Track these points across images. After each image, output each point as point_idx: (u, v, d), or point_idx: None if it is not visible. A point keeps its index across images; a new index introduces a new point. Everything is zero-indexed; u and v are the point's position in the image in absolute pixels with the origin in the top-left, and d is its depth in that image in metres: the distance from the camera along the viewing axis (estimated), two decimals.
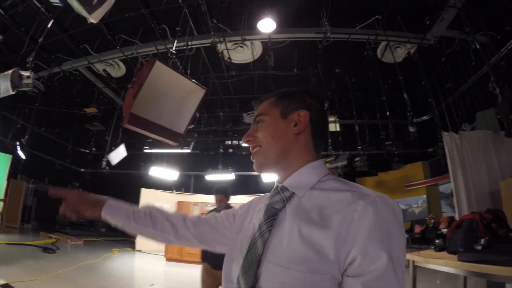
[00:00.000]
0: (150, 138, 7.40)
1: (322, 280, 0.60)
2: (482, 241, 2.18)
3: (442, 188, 8.16)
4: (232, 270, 0.75)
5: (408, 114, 5.09)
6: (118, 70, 7.04)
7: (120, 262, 7.59)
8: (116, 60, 6.73)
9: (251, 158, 0.82)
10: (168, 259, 8.25)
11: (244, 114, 8.42)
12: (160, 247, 9.89)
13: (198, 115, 3.81)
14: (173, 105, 3.58)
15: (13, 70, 3.94)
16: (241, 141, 9.06)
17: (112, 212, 0.96)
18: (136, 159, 9.23)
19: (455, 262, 2.16)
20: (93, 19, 2.87)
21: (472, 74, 5.64)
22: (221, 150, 9.04)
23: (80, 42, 6.05)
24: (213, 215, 0.97)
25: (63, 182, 11.11)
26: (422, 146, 7.33)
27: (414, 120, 7.49)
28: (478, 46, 4.29)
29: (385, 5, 5.02)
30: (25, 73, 4.03)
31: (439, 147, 5.97)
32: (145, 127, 3.39)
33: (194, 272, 6.88)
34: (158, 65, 3.23)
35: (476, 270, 1.98)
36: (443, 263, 2.30)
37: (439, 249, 2.73)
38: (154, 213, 0.99)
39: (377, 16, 5.25)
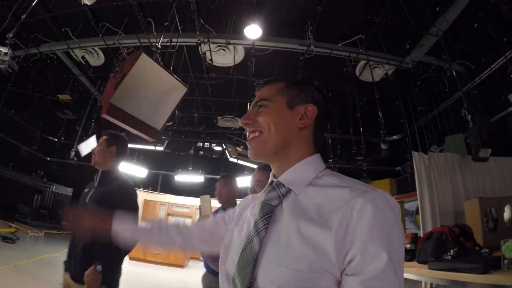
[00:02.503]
0: (125, 131, 7.22)
1: (322, 279, 0.59)
2: (451, 251, 2.36)
3: (407, 206, 8.46)
4: (228, 268, 0.73)
5: (381, 132, 5.24)
6: (97, 59, 6.78)
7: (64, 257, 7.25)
8: (96, 48, 6.50)
9: (247, 143, 0.80)
10: (131, 258, 7.98)
11: (219, 118, 8.34)
12: None
13: (177, 112, 3.73)
14: (153, 100, 3.49)
15: None
16: (213, 145, 8.99)
17: (122, 221, 1.02)
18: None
19: (426, 270, 2.33)
20: (87, 0, 2.76)
21: (444, 100, 5.92)
22: (192, 152, 8.90)
23: (62, 25, 5.77)
24: (211, 220, 0.97)
25: (28, 169, 10.53)
26: (391, 164, 7.58)
27: (386, 138, 7.80)
28: (454, 74, 4.50)
29: (369, 25, 5.18)
30: (2, 49, 3.80)
31: (408, 166, 6.19)
32: (123, 119, 3.28)
33: (158, 273, 6.72)
34: (144, 58, 3.14)
35: (446, 278, 2.18)
36: (414, 272, 2.47)
37: (409, 259, 2.89)
38: (160, 223, 1.05)
39: (361, 36, 5.41)
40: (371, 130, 7.06)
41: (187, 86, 3.60)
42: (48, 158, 9.48)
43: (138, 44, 5.94)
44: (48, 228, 10.25)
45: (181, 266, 8.20)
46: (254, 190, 1.91)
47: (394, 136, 7.40)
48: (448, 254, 2.35)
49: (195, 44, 5.83)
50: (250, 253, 0.66)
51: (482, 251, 2.62)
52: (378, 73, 6.20)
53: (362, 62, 6.00)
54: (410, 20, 4.92)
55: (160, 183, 12.00)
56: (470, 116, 3.90)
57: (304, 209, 0.66)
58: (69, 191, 15.53)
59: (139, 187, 10.60)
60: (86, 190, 2.09)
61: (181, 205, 10.82)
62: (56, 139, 8.11)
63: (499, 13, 4.28)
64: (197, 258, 9.75)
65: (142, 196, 10.71)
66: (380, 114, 5.22)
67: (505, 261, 2.02)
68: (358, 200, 0.61)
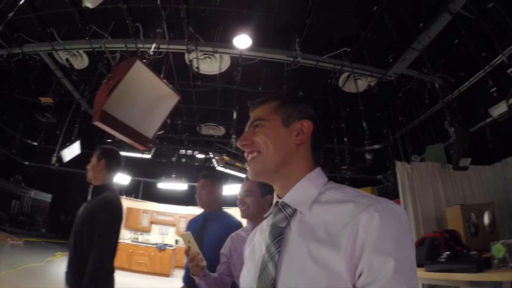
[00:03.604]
0: (114, 138, 6.94)
1: None
2: (444, 255, 2.58)
3: None
4: None
5: (365, 142, 5.33)
6: (80, 62, 6.53)
7: (64, 267, 6.86)
8: (80, 51, 6.26)
9: (246, 164, 0.81)
10: (116, 268, 7.66)
11: (202, 126, 8.20)
12: None
13: (169, 121, 3.61)
14: (145, 108, 3.37)
15: None
16: (195, 152, 8.82)
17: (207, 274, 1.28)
18: (86, 158, 8.53)
19: (423, 272, 2.50)
20: (89, 3, 2.63)
21: (424, 111, 6.09)
22: (174, 159, 8.70)
23: (48, 25, 5.50)
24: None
25: (5, 173, 9.90)
26: (372, 172, 7.71)
27: (366, 148, 7.95)
28: (436, 86, 4.63)
29: (354, 39, 5.28)
30: None
31: (390, 175, 6.31)
32: (115, 127, 3.14)
33: (144, 282, 6.45)
34: (138, 65, 3.03)
35: (442, 278, 2.38)
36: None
37: None
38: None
39: (346, 48, 5.49)
40: (352, 139, 7.15)
41: (180, 94, 3.51)
42: (26, 163, 8.97)
43: (125, 49, 5.76)
44: (27, 235, 9.69)
45: (167, 275, 7.97)
46: (243, 200, 1.86)
47: (376, 146, 7.53)
48: (442, 257, 2.56)
49: (182, 51, 5.72)
50: (267, 278, 0.66)
51: (471, 253, 2.81)
52: (361, 85, 6.32)
53: (346, 74, 6.09)
54: (394, 35, 5.05)
55: (143, 190, 11.61)
56: (452, 129, 3.99)
57: (311, 229, 0.66)
58: (48, 197, 14.82)
59: (122, 195, 10.27)
60: (84, 205, 2.11)
61: (164, 213, 10.57)
62: (35, 143, 7.69)
63: (479, 30, 4.47)
64: (181, 267, 9.43)
65: (125, 203, 10.36)
66: (364, 124, 5.29)
67: (495, 261, 2.25)
68: (363, 215, 0.61)
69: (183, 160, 8.24)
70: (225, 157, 5.77)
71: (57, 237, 11.92)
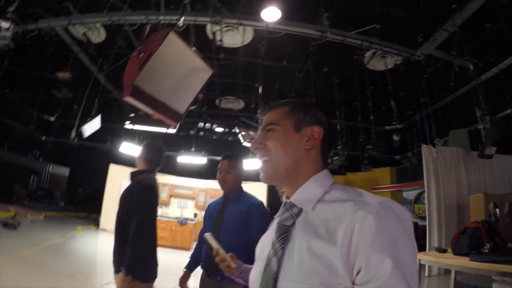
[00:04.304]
0: (137, 112, 6.77)
1: None
2: (488, 245, 2.58)
3: (406, 195, 8.52)
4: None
5: (393, 122, 5.12)
6: (97, 36, 6.25)
7: (87, 242, 7.01)
8: (98, 24, 5.98)
9: (259, 168, 0.80)
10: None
11: (222, 99, 7.98)
12: None
13: (201, 96, 3.39)
14: (177, 82, 3.16)
15: None
16: (214, 126, 8.66)
17: (243, 271, 1.12)
18: (103, 132, 8.38)
19: (467, 261, 2.50)
20: None
21: (449, 94, 5.84)
22: (192, 132, 8.54)
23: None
24: None
25: (23, 149, 9.84)
26: (391, 153, 7.53)
27: (386, 127, 7.73)
28: (471, 67, 4.38)
29: (384, 16, 4.98)
30: (3, 24, 3.33)
31: (413, 156, 6.14)
32: (147, 102, 2.93)
33: (165, 256, 6.41)
34: (172, 37, 2.80)
35: (488, 268, 2.36)
36: (457, 263, 2.66)
37: (442, 251, 3.12)
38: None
39: (375, 25, 5.20)
40: (373, 118, 6.96)
41: (214, 68, 3.28)
42: (43, 138, 8.85)
43: (145, 21, 5.48)
44: (46, 209, 9.67)
45: (187, 249, 7.99)
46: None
47: (397, 125, 7.34)
48: (485, 247, 2.56)
49: (205, 23, 5.43)
50: (270, 273, 0.68)
51: (509, 245, 2.79)
52: (387, 63, 6.04)
53: (371, 51, 5.81)
54: (426, 14, 4.74)
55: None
56: (488, 117, 3.80)
57: (313, 226, 0.67)
58: (65, 171, 14.79)
59: None
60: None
61: (184, 186, 10.46)
62: (52, 119, 7.53)
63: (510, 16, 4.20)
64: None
65: None
66: (392, 104, 5.08)
67: None
68: (360, 212, 0.61)
69: (201, 133, 8.07)
70: (252, 133, 5.58)
71: (75, 210, 11.97)
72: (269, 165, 0.77)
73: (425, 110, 6.16)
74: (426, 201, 4.82)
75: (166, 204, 10.24)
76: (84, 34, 5.89)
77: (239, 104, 8.32)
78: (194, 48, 3.20)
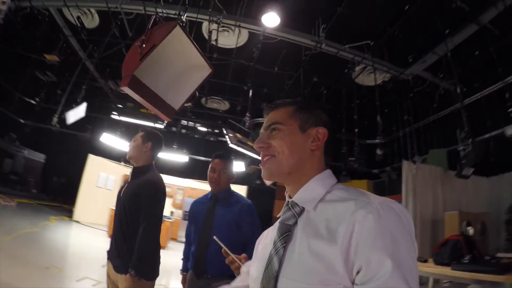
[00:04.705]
0: (127, 103, 6.56)
1: None
2: (467, 257, 2.78)
3: None
4: (254, 286, 0.75)
5: (378, 137, 5.25)
6: (91, 21, 6.05)
7: (62, 233, 6.72)
8: (92, 10, 5.78)
9: (260, 165, 0.79)
10: (110, 236, 7.37)
11: (208, 99, 7.88)
12: (99, 220, 8.90)
13: (197, 94, 3.35)
14: (175, 77, 3.09)
15: None
16: (197, 125, 8.53)
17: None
18: (84, 121, 8.13)
19: (448, 270, 2.76)
20: None
21: (431, 114, 6.06)
22: (174, 129, 8.38)
23: None
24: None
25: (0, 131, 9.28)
26: (370, 166, 7.71)
27: (367, 141, 7.91)
28: (458, 91, 4.57)
29: (379, 33, 5.11)
30: None
31: (393, 171, 6.31)
32: (143, 95, 2.85)
33: None
34: (177, 31, 2.74)
35: (468, 277, 2.61)
36: (439, 271, 2.91)
37: (423, 260, 3.28)
38: None
39: (368, 41, 5.32)
40: (357, 131, 7.10)
41: (212, 67, 3.24)
42: (22, 121, 8.39)
43: (143, 11, 5.36)
44: (18, 196, 9.14)
45: (163, 248, 7.81)
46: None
47: (377, 140, 7.52)
48: (465, 258, 2.75)
49: (200, 20, 5.37)
50: (271, 271, 0.68)
51: (485, 257, 2.97)
52: (373, 79, 6.19)
53: (361, 66, 5.94)
54: (419, 36, 4.91)
55: None
56: (470, 140, 3.98)
57: (314, 225, 0.67)
58: (41, 157, 14.08)
59: (120, 161, 9.88)
60: (123, 184, 2.11)
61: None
62: (33, 101, 7.17)
63: (500, 46, 4.43)
64: (175, 239, 9.45)
65: (123, 170, 10.11)
66: (378, 119, 5.20)
67: None
68: (360, 212, 0.61)
69: (183, 131, 7.93)
70: (238, 135, 5.56)
71: (48, 199, 11.39)
72: (272, 163, 0.77)
73: (407, 128, 6.36)
74: None
75: None
76: (78, 18, 5.68)
77: (225, 105, 8.27)
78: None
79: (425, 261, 3.30)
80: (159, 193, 1.96)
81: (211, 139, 8.44)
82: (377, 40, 5.19)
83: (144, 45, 2.79)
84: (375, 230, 0.58)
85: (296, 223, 0.72)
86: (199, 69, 3.22)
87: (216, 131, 8.22)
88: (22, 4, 5.18)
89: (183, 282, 2.03)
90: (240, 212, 1.91)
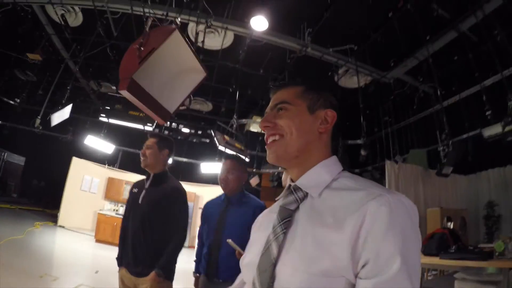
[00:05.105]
0: (115, 105, 6.37)
1: (336, 283, 0.57)
2: (454, 247, 3.06)
3: None
4: (248, 270, 0.71)
5: (362, 138, 5.43)
6: (74, 19, 5.88)
7: (48, 240, 6.53)
8: (76, 8, 5.63)
9: (266, 147, 0.76)
10: (98, 241, 7.18)
11: (192, 100, 7.85)
12: (84, 224, 8.65)
13: (192, 97, 3.41)
14: (171, 80, 3.11)
15: None
16: (180, 126, 8.45)
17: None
18: (65, 122, 7.91)
19: (437, 260, 3.07)
20: None
21: (411, 116, 6.34)
22: (151, 128, 8.28)
23: None
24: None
25: None
26: (351, 166, 7.93)
27: (348, 142, 8.14)
28: (439, 93, 4.81)
29: (362, 38, 5.29)
30: None
31: (375, 171, 6.55)
32: (141, 98, 2.86)
33: None
34: (176, 35, 2.76)
35: (456, 264, 2.99)
36: (429, 261, 3.22)
37: None
38: None
39: (352, 46, 5.50)
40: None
41: (207, 70, 3.28)
42: (0, 122, 8.00)
43: (130, 11, 5.28)
44: None
45: None
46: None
47: (357, 141, 7.75)
48: (451, 249, 3.03)
49: (188, 22, 5.37)
50: (269, 257, 0.65)
51: (469, 247, 3.27)
52: (355, 81, 6.39)
53: (343, 69, 6.11)
54: (401, 41, 5.13)
55: (124, 160, 10.77)
56: (451, 142, 4.22)
57: (320, 213, 0.65)
58: (21, 160, 13.49)
59: (104, 163, 9.61)
60: (135, 190, 2.11)
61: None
62: (12, 102, 6.88)
63: (478, 53, 4.72)
64: None
65: (107, 173, 9.85)
66: (362, 121, 5.39)
67: (496, 253, 2.84)
68: (372, 203, 0.58)
69: (166, 132, 7.83)
70: (226, 137, 5.59)
71: (29, 203, 10.87)
72: (279, 145, 0.74)
73: (389, 128, 6.62)
74: None
75: None
76: (62, 15, 5.51)
77: (207, 106, 8.24)
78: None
79: None
80: (186, 202, 2.06)
81: (194, 140, 8.38)
82: (361, 44, 5.37)
83: (142, 48, 2.80)
84: (387, 224, 0.56)
85: (298, 208, 0.69)
86: (194, 73, 3.26)
87: (199, 132, 8.16)
88: (4, 0, 4.97)
89: (196, 284, 2.03)
90: (253, 215, 1.85)
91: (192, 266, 2.11)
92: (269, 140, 0.75)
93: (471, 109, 5.35)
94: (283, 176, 1.91)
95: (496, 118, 4.07)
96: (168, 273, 1.83)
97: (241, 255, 1.25)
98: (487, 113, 4.13)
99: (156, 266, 1.78)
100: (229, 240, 1.65)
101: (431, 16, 4.63)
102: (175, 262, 1.92)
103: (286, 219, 0.68)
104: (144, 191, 2.02)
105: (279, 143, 0.73)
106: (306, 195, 0.70)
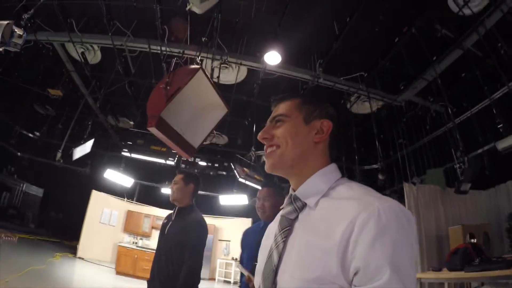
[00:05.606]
0: (135, 141, 6.55)
1: None
2: (477, 260, 3.09)
3: None
4: (257, 277, 0.75)
5: (378, 162, 5.46)
6: (93, 57, 6.18)
7: (69, 271, 6.65)
8: (95, 46, 5.92)
9: (264, 157, 0.86)
10: (118, 273, 7.18)
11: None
12: (103, 256, 8.68)
13: (214, 132, 3.52)
14: (195, 117, 3.26)
15: (7, 22, 3.13)
16: (197, 159, 8.58)
17: None
18: (84, 156, 8.11)
19: (461, 273, 3.14)
20: (197, 8, 2.61)
21: (424, 136, 6.37)
22: (172, 163, 8.43)
23: (69, 15, 5.15)
24: None
25: None
26: None
27: (365, 167, 8.14)
28: (450, 111, 4.87)
29: (371, 65, 5.44)
30: (18, 31, 3.23)
31: (394, 194, 6.52)
32: (168, 134, 3.00)
33: None
34: (200, 74, 2.93)
35: (481, 276, 3.00)
36: (454, 275, 3.31)
37: (438, 269, 3.69)
38: None
39: (362, 73, 5.64)
40: (352, 157, 7.31)
41: (229, 107, 3.42)
42: (19, 154, 8.23)
43: (148, 49, 5.54)
44: (17, 231, 8.80)
45: None
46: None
47: (373, 165, 7.73)
48: (475, 261, 3.07)
49: (201, 58, 5.57)
50: (271, 265, 0.69)
51: (492, 259, 3.28)
52: (367, 107, 6.49)
53: (355, 96, 6.23)
54: (409, 65, 5.26)
55: (144, 194, 10.91)
56: (466, 158, 4.23)
57: (315, 222, 0.67)
58: (39, 191, 13.65)
59: (124, 197, 9.72)
60: (165, 221, 2.30)
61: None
62: (31, 135, 7.11)
63: (483, 67, 4.83)
64: None
65: (126, 206, 10.00)
66: (377, 145, 5.43)
67: None
68: (362, 213, 0.60)
69: (183, 165, 7.95)
70: (246, 169, 5.67)
71: (46, 234, 10.98)
72: (275, 155, 0.76)
73: (404, 150, 6.63)
74: None
75: (147, 236, 9.93)
76: (82, 53, 5.79)
77: (223, 140, 8.39)
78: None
79: (440, 269, 3.66)
80: (204, 234, 2.13)
81: (211, 173, 8.47)
82: (370, 71, 5.51)
83: (168, 87, 2.96)
84: (376, 233, 0.56)
85: (297, 217, 0.71)
86: (216, 109, 3.42)
87: (216, 165, 8.26)
88: (28, 37, 5.26)
89: None
90: None
91: None
92: (268, 151, 0.78)
93: (483, 123, 5.38)
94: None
95: (508, 130, 4.10)
96: None
97: (250, 280, 1.28)
98: (499, 126, 4.15)
99: None
100: (239, 266, 1.69)
101: (435, 37, 4.80)
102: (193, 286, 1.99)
103: (286, 228, 0.71)
104: (170, 223, 2.20)
105: (275, 153, 0.76)
106: (304, 204, 0.72)
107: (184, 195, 2.24)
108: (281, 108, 0.81)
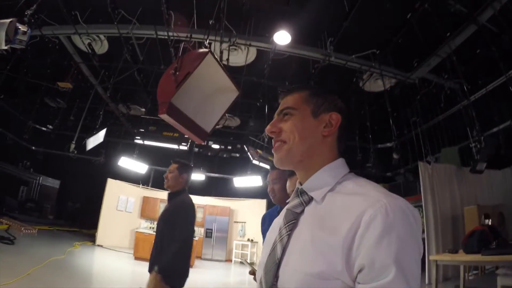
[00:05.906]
0: (141, 127, 6.61)
1: (332, 285, 0.58)
2: (495, 243, 3.07)
3: None
4: (259, 270, 0.75)
5: (393, 142, 5.38)
6: (100, 47, 6.17)
7: (88, 259, 6.80)
8: (101, 36, 5.90)
9: (272, 150, 0.78)
10: (137, 258, 7.40)
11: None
12: (121, 243, 8.91)
13: (227, 115, 3.49)
14: (206, 101, 3.23)
15: (11, 20, 3.13)
16: (210, 142, 8.63)
17: None
18: (97, 145, 8.24)
19: (479, 256, 3.07)
20: None
21: (439, 114, 6.23)
22: (185, 148, 8.50)
23: (72, 7, 5.13)
24: None
25: (13, 159, 9.26)
26: (383, 169, 7.82)
27: (379, 146, 8.06)
28: (465, 89, 4.74)
29: (384, 42, 5.28)
30: (22, 27, 3.23)
31: (409, 173, 6.45)
32: (180, 120, 2.98)
33: None
34: (209, 58, 2.88)
35: (498, 260, 2.98)
36: (471, 258, 3.25)
37: (455, 251, 3.65)
38: None
39: (374, 50, 5.49)
40: (365, 136, 7.24)
41: (239, 89, 3.36)
42: (34, 148, 8.43)
43: (154, 36, 5.49)
44: (36, 223, 9.11)
45: (190, 266, 7.83)
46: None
47: (387, 144, 7.64)
48: (492, 245, 3.05)
49: (210, 41, 5.50)
50: (274, 258, 0.68)
51: (510, 241, 3.30)
52: (380, 85, 6.35)
53: (367, 74, 6.10)
54: (422, 41, 5.09)
55: (159, 179, 11.12)
56: (483, 137, 4.15)
57: (321, 216, 0.66)
58: (56, 183, 14.06)
59: (139, 183, 9.93)
60: (163, 207, 2.51)
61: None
62: (44, 128, 7.23)
63: (498, 44, 4.66)
64: (200, 257, 9.55)
65: (142, 192, 10.16)
66: (391, 123, 5.34)
67: None
68: (369, 210, 0.59)
69: (196, 149, 8.01)
70: (259, 151, 5.67)
71: (65, 225, 11.34)
72: (283, 149, 0.75)
73: (418, 128, 6.52)
74: (423, 215, 5.07)
75: None
76: (89, 44, 5.78)
77: (235, 122, 8.38)
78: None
79: (456, 251, 3.62)
80: (188, 212, 2.28)
81: (225, 155, 8.52)
82: (383, 48, 5.37)
83: (177, 73, 2.92)
84: (382, 230, 0.56)
85: (303, 211, 0.71)
86: (228, 92, 3.36)
87: (229, 147, 8.29)
88: (33, 33, 5.28)
89: None
90: None
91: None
92: (276, 145, 0.77)
93: (499, 101, 5.22)
94: (288, 183, 1.87)
95: None
96: (166, 276, 1.99)
97: (253, 273, 1.26)
98: None
99: (154, 266, 2.00)
100: (244, 259, 1.70)
101: (449, 12, 4.61)
102: (178, 271, 2.11)
103: (291, 222, 0.71)
104: (164, 208, 2.42)
105: (282, 148, 0.75)
106: (311, 198, 0.71)
107: (178, 183, 2.40)
108: (289, 101, 0.79)
